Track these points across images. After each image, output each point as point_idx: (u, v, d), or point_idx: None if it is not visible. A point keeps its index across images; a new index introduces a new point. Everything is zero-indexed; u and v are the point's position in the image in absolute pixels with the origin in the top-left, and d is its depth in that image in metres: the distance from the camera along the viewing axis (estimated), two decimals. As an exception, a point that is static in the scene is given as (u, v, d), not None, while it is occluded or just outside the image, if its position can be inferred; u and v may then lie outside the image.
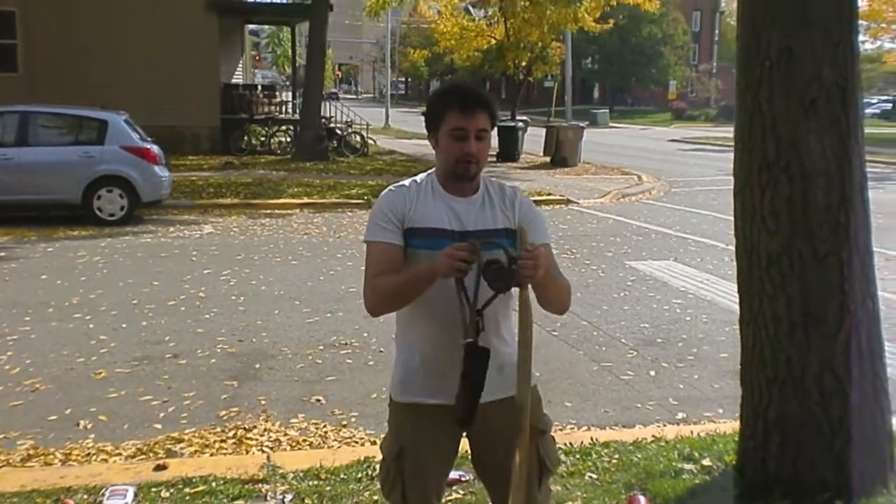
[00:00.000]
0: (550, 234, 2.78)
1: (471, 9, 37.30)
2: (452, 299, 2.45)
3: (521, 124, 24.50)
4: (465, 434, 2.74)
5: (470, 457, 2.85)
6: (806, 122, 3.67)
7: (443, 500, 3.83)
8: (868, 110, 51.44)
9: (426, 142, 2.92)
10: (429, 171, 2.68)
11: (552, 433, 2.86)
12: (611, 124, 50.64)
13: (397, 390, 2.72)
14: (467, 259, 2.33)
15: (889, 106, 53.41)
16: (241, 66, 29.25)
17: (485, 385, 2.46)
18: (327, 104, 25.93)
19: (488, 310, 2.49)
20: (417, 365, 2.63)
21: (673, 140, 37.93)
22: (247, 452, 4.75)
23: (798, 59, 3.65)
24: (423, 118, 2.68)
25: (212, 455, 4.71)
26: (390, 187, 2.67)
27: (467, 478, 4.04)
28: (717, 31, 70.23)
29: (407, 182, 2.65)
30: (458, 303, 2.43)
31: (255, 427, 5.12)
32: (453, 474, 4.05)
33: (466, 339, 2.40)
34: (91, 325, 7.24)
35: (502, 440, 2.61)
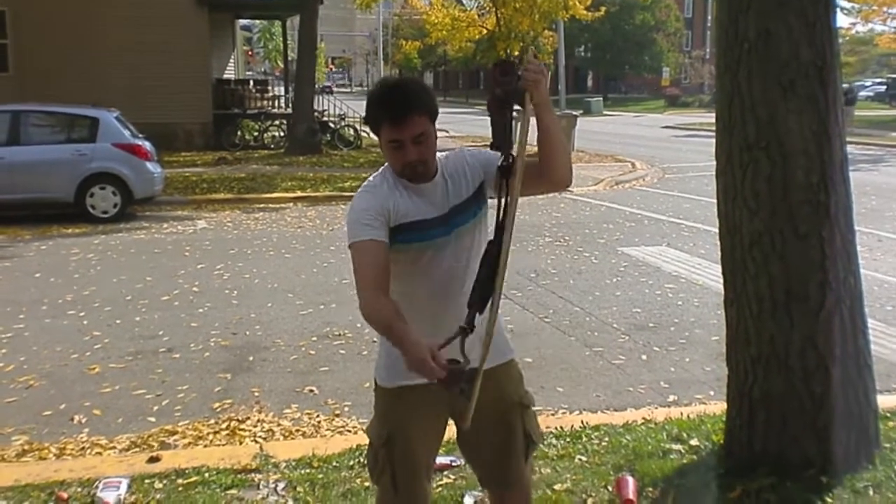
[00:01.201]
0: None
1: (462, -1, 37.26)
2: (438, 285, 2.55)
3: (514, 114, 24.44)
4: (450, 416, 2.77)
5: (456, 438, 2.89)
6: (784, 103, 3.70)
7: (434, 484, 3.90)
8: (862, 93, 51.37)
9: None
10: (381, 170, 2.64)
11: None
12: (604, 112, 50.55)
13: (382, 375, 2.74)
14: (435, 379, 2.30)
15: (883, 88, 53.29)
16: (232, 60, 29.21)
17: (469, 355, 2.42)
18: (320, 98, 25.90)
19: (472, 284, 2.56)
20: None
21: (667, 126, 37.98)
22: (240, 443, 4.78)
23: (775, 40, 3.68)
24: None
25: (205, 446, 4.74)
26: (362, 189, 2.62)
27: (458, 462, 4.08)
28: (709, 17, 70.06)
29: (374, 181, 2.62)
30: (444, 288, 2.56)
31: (248, 418, 5.15)
32: (444, 459, 4.09)
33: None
34: (85, 322, 7.27)
35: (487, 416, 2.64)
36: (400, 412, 2.69)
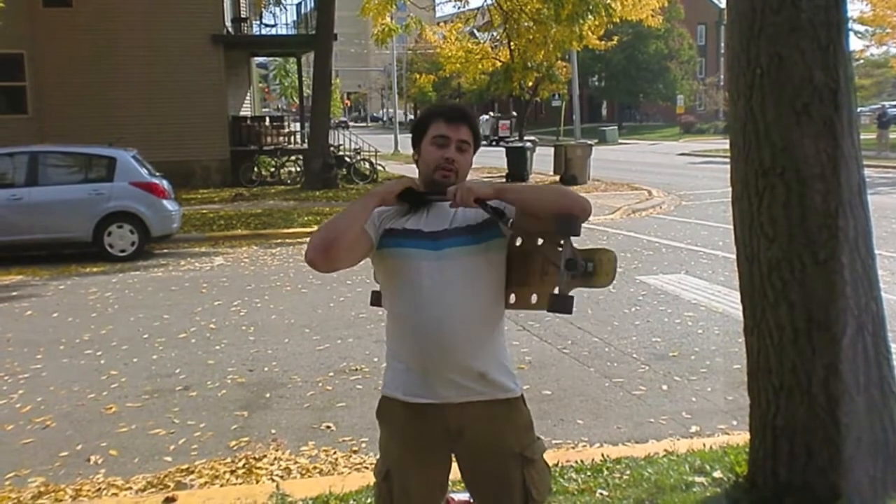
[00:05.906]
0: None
1: (476, 32, 37.52)
2: (421, 301, 2.50)
3: (529, 144, 24.51)
4: (454, 456, 2.71)
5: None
6: (799, 128, 3.65)
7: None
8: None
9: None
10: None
11: (549, 456, 2.81)
12: (620, 141, 50.64)
13: (384, 382, 2.71)
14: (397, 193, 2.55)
15: (897, 111, 52.81)
16: (248, 98, 29.46)
17: (465, 389, 2.53)
18: (336, 132, 26.07)
19: (468, 326, 2.52)
20: (401, 364, 2.62)
21: (682, 154, 37.93)
22: (257, 482, 4.74)
23: (788, 64, 3.64)
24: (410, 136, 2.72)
25: (221, 486, 4.70)
26: None
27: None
28: (721, 44, 70.16)
29: None
30: (427, 311, 2.50)
31: (265, 456, 5.11)
32: (462, 496, 4.01)
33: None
34: (102, 361, 7.26)
35: (479, 463, 2.60)
36: (397, 451, 2.67)
